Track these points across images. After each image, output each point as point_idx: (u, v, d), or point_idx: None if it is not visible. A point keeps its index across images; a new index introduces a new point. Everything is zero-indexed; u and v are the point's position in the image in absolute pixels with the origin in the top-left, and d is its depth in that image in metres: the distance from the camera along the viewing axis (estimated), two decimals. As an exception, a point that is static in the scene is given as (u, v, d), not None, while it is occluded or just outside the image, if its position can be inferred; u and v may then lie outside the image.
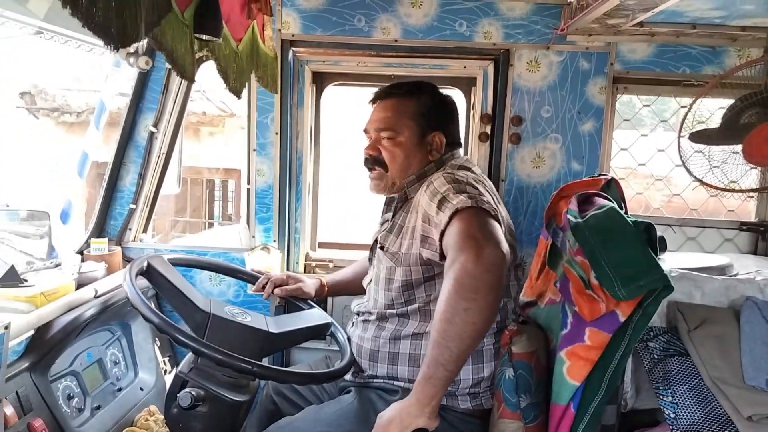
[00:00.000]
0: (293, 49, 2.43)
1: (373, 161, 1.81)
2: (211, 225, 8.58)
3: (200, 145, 7.69)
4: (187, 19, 1.38)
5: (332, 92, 2.68)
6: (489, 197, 1.51)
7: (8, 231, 2.21)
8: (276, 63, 2.23)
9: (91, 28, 0.82)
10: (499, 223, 1.44)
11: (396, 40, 2.39)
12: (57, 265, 2.15)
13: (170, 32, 1.24)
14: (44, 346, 1.67)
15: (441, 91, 1.87)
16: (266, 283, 2.05)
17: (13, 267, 1.86)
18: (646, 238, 1.51)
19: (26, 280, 1.87)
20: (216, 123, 7.68)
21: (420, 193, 1.64)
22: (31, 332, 1.65)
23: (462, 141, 1.90)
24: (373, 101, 1.87)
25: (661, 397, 1.88)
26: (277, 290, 2.04)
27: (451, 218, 1.42)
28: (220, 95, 7.06)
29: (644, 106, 2.67)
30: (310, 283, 2.08)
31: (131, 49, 1.12)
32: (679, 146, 2.27)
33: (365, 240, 2.72)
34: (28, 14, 1.85)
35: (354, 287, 2.12)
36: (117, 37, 0.87)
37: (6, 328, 1.36)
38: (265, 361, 1.62)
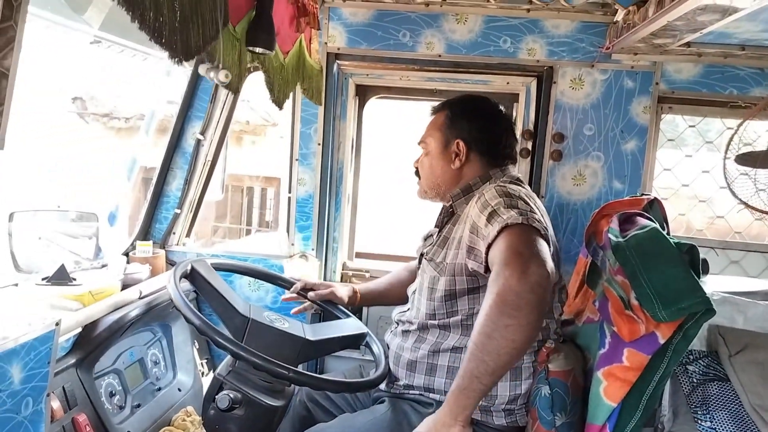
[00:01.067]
0: (338, 62, 2.48)
1: (416, 172, 1.92)
2: (248, 232, 8.71)
3: (242, 153, 7.83)
4: (238, 33, 1.43)
5: (375, 105, 2.72)
6: (539, 215, 1.51)
7: (58, 231, 2.29)
8: (321, 75, 2.28)
9: (158, 41, 0.86)
10: (548, 242, 1.44)
11: (440, 55, 2.42)
12: (103, 266, 2.22)
13: (221, 45, 1.29)
14: (90, 343, 1.73)
15: (480, 101, 1.89)
16: (300, 289, 2.08)
17: (63, 266, 1.93)
18: (689, 260, 1.50)
19: (75, 279, 1.93)
20: (259, 132, 7.82)
21: (470, 205, 1.66)
22: (79, 330, 1.71)
23: (513, 155, 1.89)
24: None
25: (699, 421, 1.84)
26: (311, 294, 2.07)
27: (499, 232, 1.43)
28: (264, 105, 7.19)
29: (689, 126, 2.63)
30: (342, 290, 2.10)
31: (209, 64, 1.17)
32: (724, 168, 2.23)
33: (402, 251, 2.75)
34: (84, 24, 1.94)
35: (388, 298, 2.13)
36: (181, 50, 0.91)
37: (57, 324, 1.42)
38: (300, 368, 1.65)
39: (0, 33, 0.99)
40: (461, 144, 1.80)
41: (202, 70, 1.13)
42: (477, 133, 1.81)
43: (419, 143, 1.89)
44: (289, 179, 2.62)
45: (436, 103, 1.93)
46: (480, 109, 1.86)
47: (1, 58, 1.02)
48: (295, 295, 2.09)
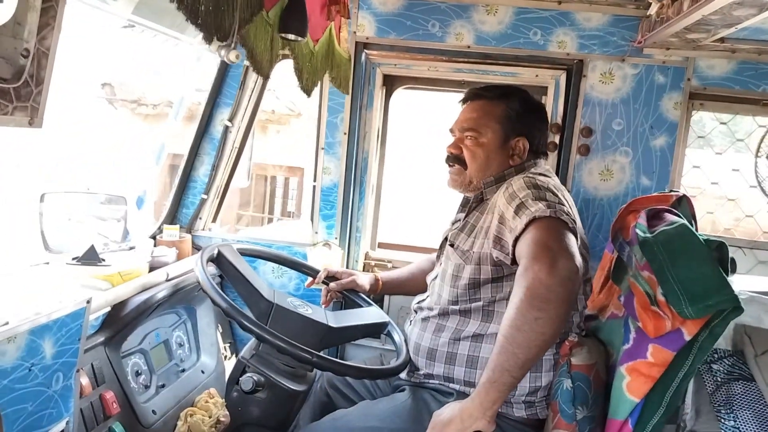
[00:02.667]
0: (366, 51, 2.48)
1: (454, 159, 1.83)
2: (270, 221, 8.77)
3: (267, 142, 7.89)
4: (271, 18, 1.44)
5: (400, 96, 2.71)
6: (567, 207, 1.50)
7: (88, 213, 2.34)
8: (349, 64, 2.28)
9: (194, 22, 0.88)
10: (576, 235, 1.43)
11: (469, 47, 2.41)
12: (131, 248, 2.26)
13: (254, 30, 1.31)
14: (119, 323, 1.76)
15: (533, 98, 1.86)
16: (324, 278, 2.10)
17: (93, 247, 1.97)
18: (718, 258, 1.48)
19: (104, 260, 1.97)
20: (284, 122, 7.87)
21: (498, 194, 1.65)
22: (108, 309, 1.74)
23: (547, 152, 1.88)
24: (463, 101, 1.88)
25: (722, 420, 1.82)
26: (333, 284, 2.08)
27: (527, 225, 1.42)
28: (289, 95, 7.23)
29: (721, 123, 2.59)
30: (364, 278, 2.11)
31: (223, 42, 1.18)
32: (756, 166, 2.20)
33: (425, 243, 2.75)
34: (118, 6, 1.96)
35: (409, 287, 2.14)
36: (215, 33, 0.93)
37: (88, 302, 1.45)
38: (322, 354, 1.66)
39: (41, 13, 1.01)
40: (523, 142, 1.77)
41: (214, 47, 1.13)
42: (537, 132, 1.80)
43: (466, 131, 1.80)
44: (315, 168, 2.64)
45: (482, 86, 1.88)
46: (536, 106, 1.85)
47: (41, 38, 1.04)
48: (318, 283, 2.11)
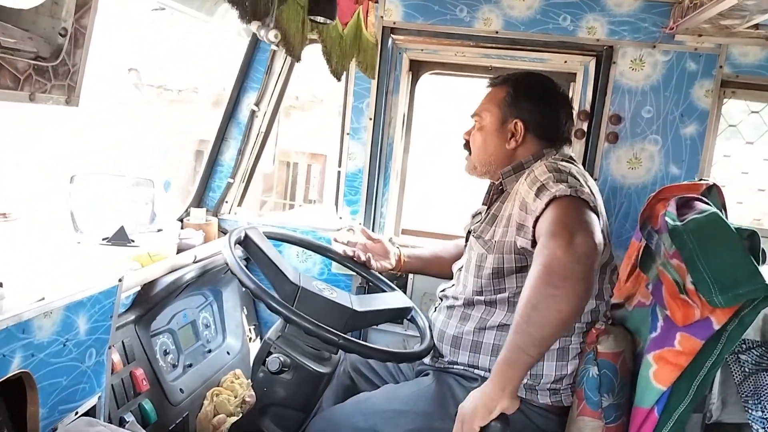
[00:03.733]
0: (393, 36, 2.47)
1: (466, 144, 1.87)
2: (291, 206, 8.82)
3: (290, 128, 7.92)
4: (302, 0, 1.44)
5: (426, 81, 2.70)
6: (589, 190, 1.48)
7: (116, 195, 2.37)
8: (375, 49, 2.28)
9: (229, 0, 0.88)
10: (597, 215, 1.42)
11: (497, 32, 2.38)
12: (159, 230, 2.29)
13: (287, 11, 1.31)
14: (148, 302, 1.79)
15: (541, 81, 1.85)
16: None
17: (123, 228, 2.00)
18: (749, 247, 1.46)
19: (133, 241, 2.00)
20: (307, 108, 7.89)
21: (519, 182, 1.64)
22: (138, 288, 1.77)
23: (570, 138, 1.86)
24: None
25: (750, 411, 1.81)
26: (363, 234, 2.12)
27: (547, 205, 1.42)
28: (313, 81, 7.24)
29: (753, 112, 2.54)
30: (391, 247, 2.12)
31: (259, 22, 1.18)
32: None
33: (448, 230, 2.75)
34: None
35: (431, 269, 2.14)
36: (250, 11, 0.93)
37: (120, 281, 1.48)
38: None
39: (79, -7, 1.03)
40: (519, 124, 1.76)
41: (253, 27, 1.13)
42: (538, 116, 1.77)
43: (473, 116, 1.85)
44: (340, 153, 2.64)
45: (496, 76, 1.89)
46: (543, 90, 1.82)
47: (78, 17, 1.06)
48: (345, 245, 2.12)
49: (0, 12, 0.96)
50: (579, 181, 1.50)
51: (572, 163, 1.70)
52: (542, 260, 1.31)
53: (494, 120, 1.79)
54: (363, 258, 2.06)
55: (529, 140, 1.78)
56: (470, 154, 1.87)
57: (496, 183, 1.81)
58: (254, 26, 1.10)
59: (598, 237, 1.33)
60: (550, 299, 1.27)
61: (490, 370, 1.62)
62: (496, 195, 1.80)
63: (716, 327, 1.41)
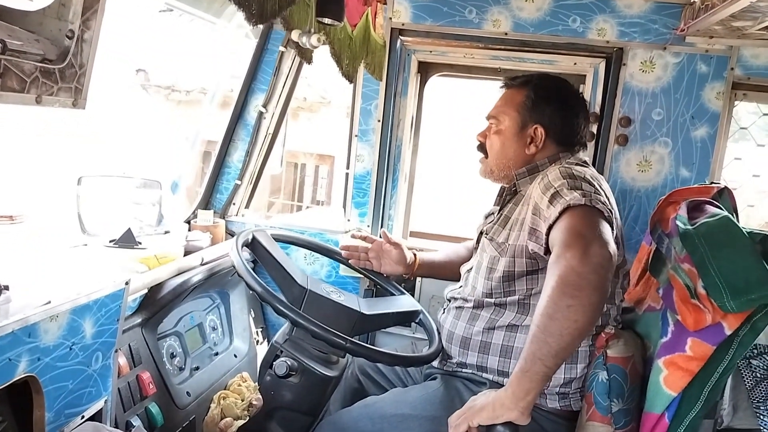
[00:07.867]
0: (402, 37, 2.45)
1: (480, 147, 1.85)
2: (299, 208, 8.82)
3: (297, 130, 7.93)
4: (311, 1, 1.43)
5: (434, 83, 2.69)
6: (604, 197, 1.47)
7: (123, 197, 2.37)
8: (384, 51, 2.27)
9: (236, 2, 0.87)
10: (612, 225, 1.41)
11: (506, 33, 2.37)
12: (166, 232, 2.28)
13: (297, 12, 1.30)
14: (155, 305, 1.78)
15: (560, 85, 1.83)
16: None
17: (130, 230, 2.00)
18: (761, 251, 1.44)
19: (141, 243, 2.00)
20: (315, 109, 7.89)
21: (533, 186, 1.63)
22: (145, 291, 1.77)
23: (586, 142, 1.84)
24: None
25: (761, 417, 1.79)
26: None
27: (561, 214, 1.41)
28: (322, 83, 7.25)
29: (764, 114, 2.51)
30: (408, 255, 2.08)
31: (300, 30, 1.17)
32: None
33: (458, 233, 2.73)
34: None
35: (444, 272, 2.12)
36: (257, 13, 0.92)
37: (126, 284, 1.47)
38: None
39: (87, -5, 1.02)
40: (540, 130, 1.75)
41: (294, 35, 1.13)
42: (558, 121, 1.75)
43: (489, 117, 1.83)
44: (348, 155, 2.63)
45: (512, 77, 1.86)
46: (564, 94, 1.80)
47: (85, 20, 1.05)
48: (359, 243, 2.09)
49: (6, 14, 0.95)
50: (594, 187, 1.48)
51: (586, 167, 1.68)
52: (558, 271, 1.30)
53: (513, 124, 1.77)
54: (374, 262, 2.05)
55: (548, 144, 1.77)
56: (485, 156, 1.85)
57: (510, 185, 1.79)
58: (295, 35, 1.09)
59: (612, 247, 1.33)
60: (567, 310, 1.27)
61: (498, 373, 1.63)
62: (509, 196, 1.78)
63: (728, 332, 1.39)
